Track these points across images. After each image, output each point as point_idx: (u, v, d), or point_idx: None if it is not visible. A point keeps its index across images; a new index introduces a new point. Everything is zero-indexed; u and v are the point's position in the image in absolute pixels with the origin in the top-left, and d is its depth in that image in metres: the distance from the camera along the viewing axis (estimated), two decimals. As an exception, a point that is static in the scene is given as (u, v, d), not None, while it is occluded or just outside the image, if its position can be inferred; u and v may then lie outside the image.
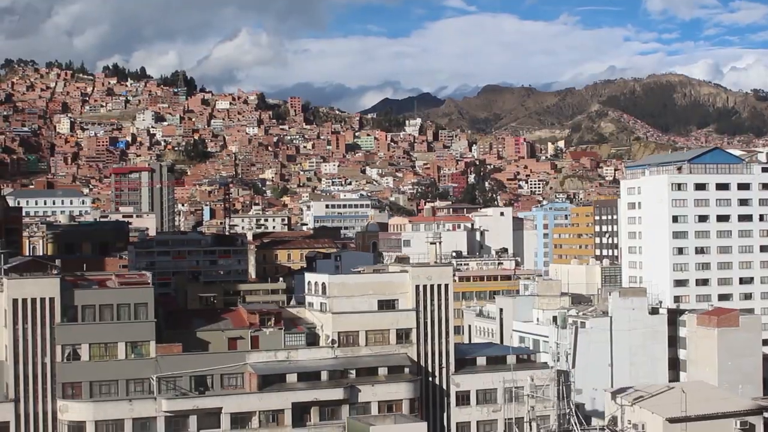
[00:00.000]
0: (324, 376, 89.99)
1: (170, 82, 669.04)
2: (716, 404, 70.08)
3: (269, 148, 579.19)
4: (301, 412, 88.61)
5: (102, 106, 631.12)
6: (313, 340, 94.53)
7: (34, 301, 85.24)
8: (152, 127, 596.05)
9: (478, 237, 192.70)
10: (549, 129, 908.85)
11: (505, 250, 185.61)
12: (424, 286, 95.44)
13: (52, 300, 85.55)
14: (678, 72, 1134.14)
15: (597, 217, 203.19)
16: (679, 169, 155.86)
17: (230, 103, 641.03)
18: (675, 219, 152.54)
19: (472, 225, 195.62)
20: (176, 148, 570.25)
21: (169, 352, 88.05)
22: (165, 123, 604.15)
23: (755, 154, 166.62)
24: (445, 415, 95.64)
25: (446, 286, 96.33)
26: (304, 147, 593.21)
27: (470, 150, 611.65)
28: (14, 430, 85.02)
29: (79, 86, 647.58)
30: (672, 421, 62.71)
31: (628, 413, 67.22)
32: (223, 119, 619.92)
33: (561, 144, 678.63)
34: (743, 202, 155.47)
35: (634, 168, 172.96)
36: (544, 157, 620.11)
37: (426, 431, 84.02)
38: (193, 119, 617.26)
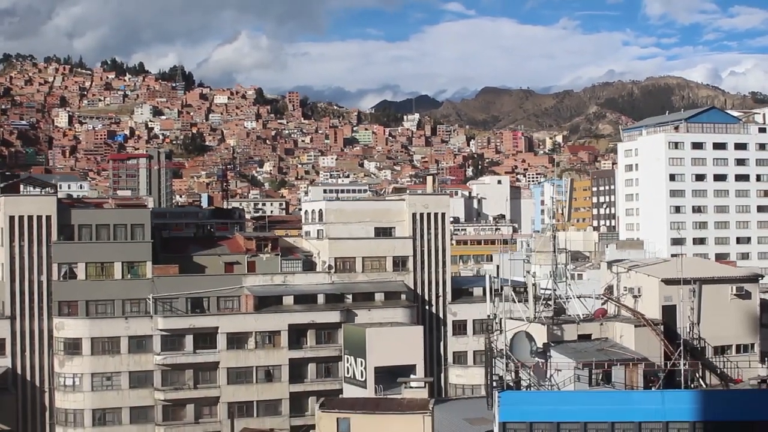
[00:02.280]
0: (320, 299, 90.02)
1: (168, 77, 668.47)
2: (713, 271, 70.12)
3: (267, 141, 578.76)
4: (297, 335, 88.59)
5: (100, 100, 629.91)
6: (309, 267, 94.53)
7: (30, 218, 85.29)
8: (150, 120, 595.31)
9: (475, 205, 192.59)
10: (547, 130, 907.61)
11: (503, 216, 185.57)
12: (421, 215, 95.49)
13: (48, 218, 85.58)
14: (676, 75, 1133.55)
15: (595, 189, 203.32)
16: (676, 128, 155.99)
17: (228, 98, 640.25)
18: (672, 178, 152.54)
19: (470, 193, 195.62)
20: (174, 142, 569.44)
21: (166, 273, 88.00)
22: (163, 117, 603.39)
23: (752, 115, 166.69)
24: (441, 344, 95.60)
25: (443, 215, 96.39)
26: (302, 141, 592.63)
27: (468, 145, 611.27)
28: (10, 347, 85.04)
29: (77, 81, 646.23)
30: (668, 282, 62.65)
31: (624, 280, 67.15)
32: (222, 114, 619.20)
33: (559, 139, 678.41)
34: (740, 162, 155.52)
35: (631, 130, 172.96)
36: (542, 152, 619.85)
37: (422, 335, 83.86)
38: (191, 113, 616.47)
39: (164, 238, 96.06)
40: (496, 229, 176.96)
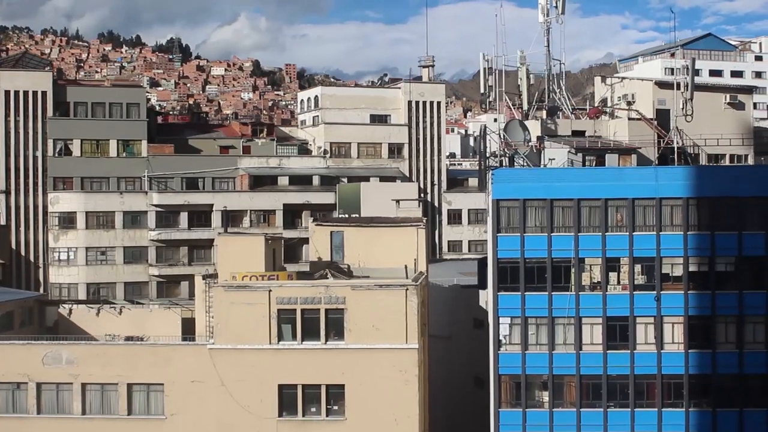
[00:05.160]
0: (315, 181, 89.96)
1: (165, 50, 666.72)
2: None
3: (264, 112, 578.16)
4: (292, 216, 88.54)
5: (97, 72, 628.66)
6: (305, 153, 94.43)
7: (26, 93, 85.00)
8: (147, 92, 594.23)
9: (471, 143, 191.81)
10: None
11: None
12: (417, 103, 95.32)
13: (44, 94, 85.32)
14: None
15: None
16: (672, 54, 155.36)
17: (225, 70, 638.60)
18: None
19: (466, 131, 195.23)
20: (171, 113, 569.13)
21: (161, 152, 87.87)
22: (160, 88, 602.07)
23: (749, 44, 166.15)
24: (436, 232, 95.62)
25: (438, 103, 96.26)
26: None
27: (465, 117, 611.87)
28: (5, 221, 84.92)
29: (73, 53, 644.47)
30: (661, 85, 62.61)
31: (617, 90, 67.12)
32: (218, 85, 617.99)
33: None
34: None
35: (627, 61, 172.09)
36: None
37: (416, 190, 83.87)
38: (188, 85, 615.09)
39: (159, 124, 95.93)
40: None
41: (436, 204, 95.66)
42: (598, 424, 46.77)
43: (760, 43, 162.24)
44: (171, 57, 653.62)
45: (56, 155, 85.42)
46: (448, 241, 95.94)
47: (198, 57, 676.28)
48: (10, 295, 55.56)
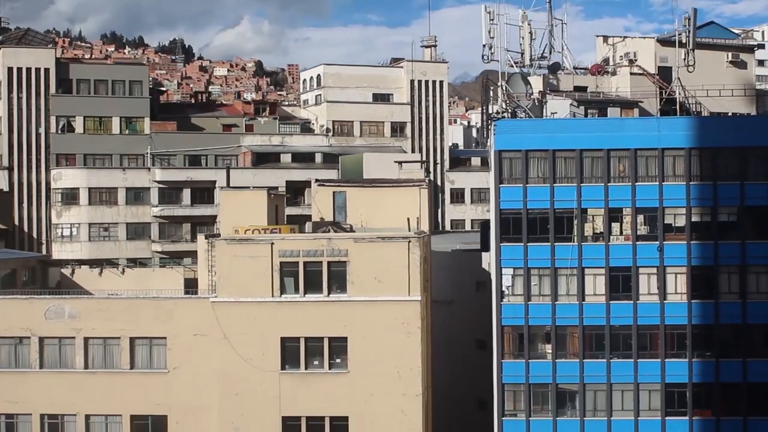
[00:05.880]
0: (318, 158, 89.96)
1: (168, 50, 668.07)
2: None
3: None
4: (295, 193, 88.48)
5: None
6: (307, 132, 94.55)
7: (29, 70, 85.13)
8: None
9: (474, 134, 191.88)
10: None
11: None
12: (419, 81, 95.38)
13: (47, 70, 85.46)
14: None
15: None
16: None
17: (228, 70, 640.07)
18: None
19: (468, 122, 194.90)
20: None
21: (164, 130, 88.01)
22: (163, 89, 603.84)
23: (751, 32, 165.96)
24: (439, 211, 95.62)
25: (441, 82, 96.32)
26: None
27: (468, 125, 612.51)
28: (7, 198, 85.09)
29: (76, 53, 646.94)
30: (663, 42, 62.56)
31: (619, 49, 67.07)
32: (221, 85, 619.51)
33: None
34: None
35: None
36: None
37: (420, 161, 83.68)
38: (191, 85, 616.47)
39: (162, 103, 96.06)
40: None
41: (439, 183, 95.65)
42: (601, 375, 46.70)
43: (763, 32, 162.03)
44: (174, 58, 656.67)
45: (59, 132, 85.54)
46: (451, 220, 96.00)
47: (201, 58, 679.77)
48: (12, 254, 55.65)
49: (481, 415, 57.18)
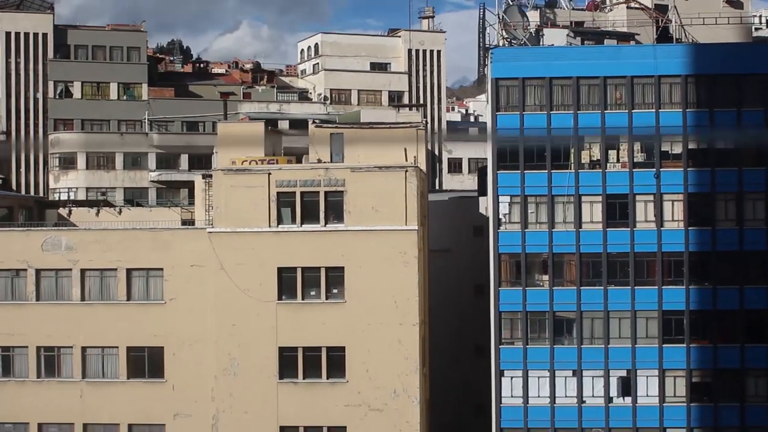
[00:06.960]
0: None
1: (166, 51, 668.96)
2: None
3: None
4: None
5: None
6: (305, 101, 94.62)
7: (27, 35, 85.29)
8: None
9: (472, 120, 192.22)
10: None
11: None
12: (417, 51, 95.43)
13: (45, 36, 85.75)
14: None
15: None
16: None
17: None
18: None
19: (466, 110, 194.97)
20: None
21: (161, 96, 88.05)
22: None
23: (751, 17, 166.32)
24: (437, 181, 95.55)
25: (438, 52, 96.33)
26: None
27: (466, 114, 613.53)
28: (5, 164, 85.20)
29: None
30: None
31: None
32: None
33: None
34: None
35: None
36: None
37: (420, 118, 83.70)
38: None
39: (160, 72, 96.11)
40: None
41: (436, 152, 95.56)
42: (599, 302, 46.68)
43: (760, 16, 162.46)
44: (171, 59, 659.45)
45: (57, 97, 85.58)
46: (449, 190, 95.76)
47: (199, 58, 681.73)
48: (9, 194, 55.69)
49: (478, 362, 57.12)
